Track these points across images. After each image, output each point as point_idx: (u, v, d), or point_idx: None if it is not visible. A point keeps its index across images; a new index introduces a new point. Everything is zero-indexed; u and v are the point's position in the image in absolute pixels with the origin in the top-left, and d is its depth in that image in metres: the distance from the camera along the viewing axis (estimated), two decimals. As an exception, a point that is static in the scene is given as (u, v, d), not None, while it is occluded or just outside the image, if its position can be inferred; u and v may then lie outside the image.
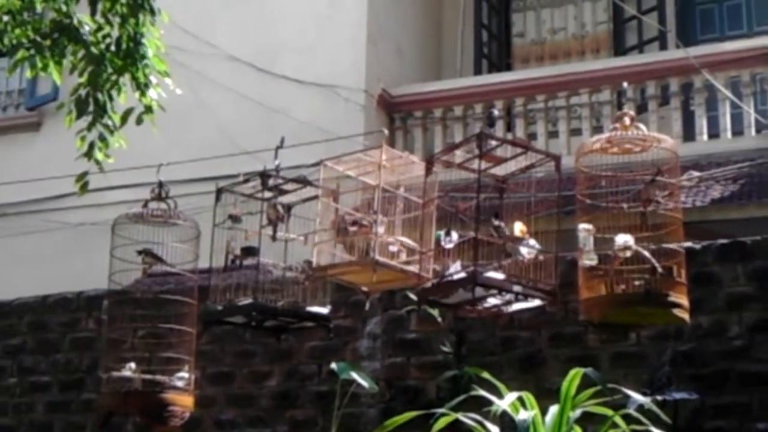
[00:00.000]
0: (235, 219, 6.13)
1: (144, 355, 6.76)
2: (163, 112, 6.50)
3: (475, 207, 5.43)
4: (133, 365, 6.54)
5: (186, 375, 6.56)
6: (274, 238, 6.10)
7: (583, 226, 5.34)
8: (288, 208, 6.23)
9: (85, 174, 6.17)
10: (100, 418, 8.51)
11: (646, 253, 5.19)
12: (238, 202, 6.21)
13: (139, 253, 6.49)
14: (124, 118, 6.10)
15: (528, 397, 5.91)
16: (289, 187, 6.23)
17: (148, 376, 6.51)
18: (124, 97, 6.14)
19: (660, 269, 5.19)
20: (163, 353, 6.69)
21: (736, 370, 7.24)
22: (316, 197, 6.09)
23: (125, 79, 6.08)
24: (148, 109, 6.09)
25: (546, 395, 6.33)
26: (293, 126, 10.34)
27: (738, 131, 10.80)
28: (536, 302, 5.54)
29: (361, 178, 6.07)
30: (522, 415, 5.71)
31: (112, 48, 6.06)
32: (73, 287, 9.60)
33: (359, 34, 11.78)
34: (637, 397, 6.07)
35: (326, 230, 5.95)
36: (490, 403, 5.99)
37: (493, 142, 5.68)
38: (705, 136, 10.92)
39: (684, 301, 5.30)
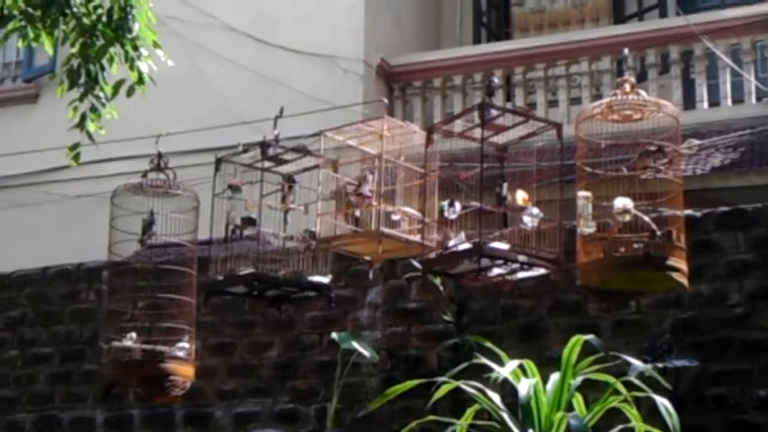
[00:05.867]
0: (234, 189, 6.12)
1: (144, 325, 6.74)
2: (161, 83, 6.45)
3: (478, 176, 5.41)
4: (133, 335, 6.53)
5: (186, 345, 6.56)
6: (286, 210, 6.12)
7: (582, 194, 5.32)
8: (288, 178, 6.21)
9: (77, 145, 6.14)
10: (102, 388, 8.54)
11: (645, 217, 5.17)
12: (238, 172, 6.19)
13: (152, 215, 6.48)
14: (115, 90, 6.06)
15: (529, 365, 5.92)
16: (288, 156, 6.21)
17: (148, 347, 6.50)
18: (116, 68, 6.10)
19: (659, 233, 5.17)
20: (163, 324, 6.68)
21: (737, 338, 7.25)
22: (316, 167, 6.07)
23: (117, 50, 6.03)
24: (139, 81, 6.04)
25: (547, 363, 6.34)
26: (292, 96, 10.30)
27: (738, 99, 10.77)
28: (540, 271, 5.54)
29: (362, 147, 6.05)
30: (523, 384, 5.72)
31: (104, 19, 6.00)
32: (73, 259, 9.60)
33: (357, 4, 11.72)
34: (638, 364, 6.07)
35: (327, 200, 5.94)
36: (491, 371, 5.99)
37: (494, 112, 5.65)
38: (705, 104, 10.89)
39: (683, 265, 5.28)
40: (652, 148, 5.35)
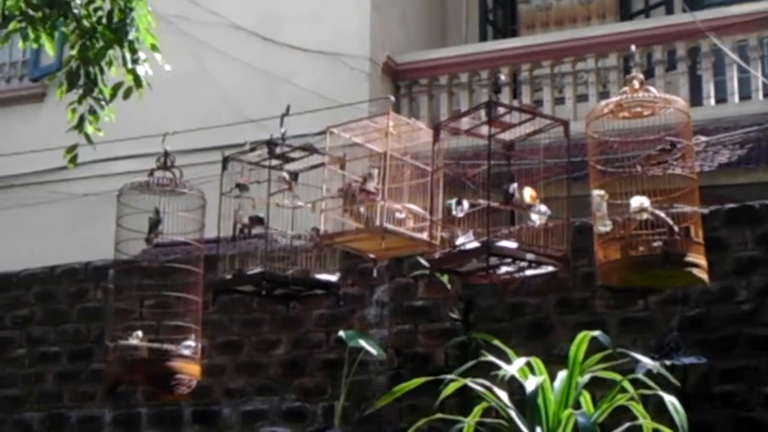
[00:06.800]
0: (242, 188, 6.12)
1: (151, 324, 6.75)
2: (167, 82, 6.46)
3: (485, 174, 5.41)
4: (139, 334, 6.53)
5: (193, 343, 6.56)
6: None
7: (597, 192, 5.31)
8: (295, 175, 6.22)
9: (74, 147, 6.15)
10: (107, 386, 8.55)
11: (662, 215, 5.16)
12: (245, 171, 6.19)
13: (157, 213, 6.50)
14: (114, 93, 6.06)
15: (536, 362, 5.92)
16: (295, 154, 6.21)
17: (154, 345, 6.50)
18: (115, 71, 6.10)
19: (677, 229, 5.16)
20: (170, 322, 6.69)
21: (745, 335, 7.23)
22: (322, 165, 6.07)
23: (116, 53, 6.03)
24: (137, 84, 6.04)
25: (554, 361, 6.34)
26: (298, 94, 10.30)
27: (745, 95, 10.76)
28: (548, 269, 5.53)
29: (368, 145, 6.05)
30: (530, 381, 5.71)
31: (104, 21, 6.00)
32: (80, 257, 9.60)
33: (363, 2, 11.73)
34: (645, 361, 6.07)
35: (333, 198, 5.93)
36: (498, 369, 5.99)
37: (501, 109, 5.65)
38: (712, 101, 10.88)
39: (702, 261, 5.27)
40: (666, 146, 5.34)
